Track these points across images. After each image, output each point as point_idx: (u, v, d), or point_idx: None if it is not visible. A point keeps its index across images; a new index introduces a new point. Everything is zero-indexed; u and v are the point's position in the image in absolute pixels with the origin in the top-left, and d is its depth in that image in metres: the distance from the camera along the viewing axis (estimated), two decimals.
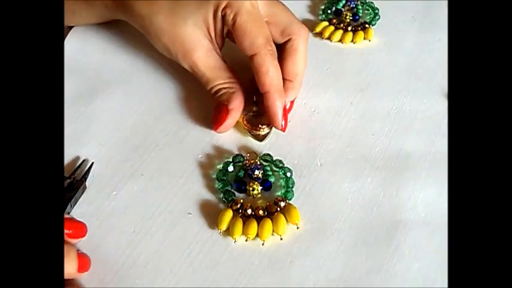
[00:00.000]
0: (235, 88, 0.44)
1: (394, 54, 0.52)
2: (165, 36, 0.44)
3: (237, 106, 0.44)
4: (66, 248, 0.35)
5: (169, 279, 0.37)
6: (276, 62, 0.43)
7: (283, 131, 0.44)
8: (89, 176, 0.42)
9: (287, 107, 0.45)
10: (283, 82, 0.44)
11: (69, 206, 0.40)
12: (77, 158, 0.43)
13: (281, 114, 0.43)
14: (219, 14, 0.43)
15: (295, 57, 0.45)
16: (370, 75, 0.50)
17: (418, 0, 0.58)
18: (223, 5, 0.43)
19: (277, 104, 0.43)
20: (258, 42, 0.42)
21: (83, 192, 0.41)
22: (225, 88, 0.44)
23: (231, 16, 0.42)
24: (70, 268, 0.35)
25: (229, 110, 0.43)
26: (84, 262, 0.36)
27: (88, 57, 0.51)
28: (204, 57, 0.44)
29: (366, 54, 0.52)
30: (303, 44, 0.45)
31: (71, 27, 0.54)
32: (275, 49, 0.44)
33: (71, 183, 0.41)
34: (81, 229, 0.38)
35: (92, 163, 0.43)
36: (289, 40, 0.45)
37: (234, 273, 0.37)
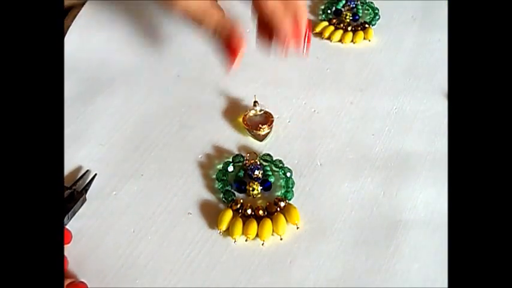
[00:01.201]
0: (231, 23, 0.43)
1: (394, 54, 0.52)
2: None
3: (242, 36, 0.43)
4: None
5: (169, 279, 0.37)
6: None
7: (306, 54, 0.44)
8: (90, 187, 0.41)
9: (303, 32, 0.44)
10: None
11: (66, 218, 0.39)
12: (80, 168, 0.43)
13: (291, 30, 0.42)
14: None
15: (297, 7, 0.43)
16: (370, 75, 0.50)
17: (418, 0, 0.58)
18: None
19: (285, 21, 0.42)
20: None
21: (82, 205, 0.40)
22: (221, 26, 0.43)
23: None
24: None
25: (238, 39, 0.42)
26: None
27: (88, 56, 0.51)
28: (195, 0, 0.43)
29: (366, 54, 0.52)
30: (304, 8, 0.44)
31: (68, 27, 0.53)
32: None
33: (71, 193, 0.40)
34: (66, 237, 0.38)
35: (95, 175, 0.42)
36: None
37: (234, 273, 0.37)
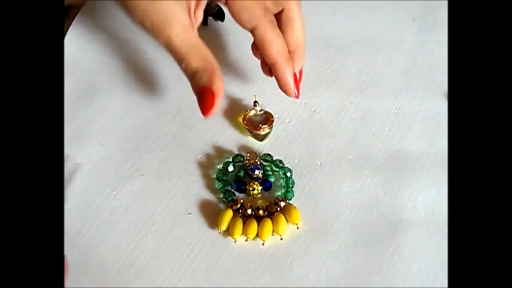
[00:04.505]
0: (213, 67, 0.40)
1: (394, 54, 0.52)
2: (140, 6, 0.39)
3: (220, 86, 0.40)
4: None
5: (169, 279, 0.37)
6: (278, 30, 0.42)
7: (297, 97, 0.43)
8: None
9: (297, 76, 0.44)
10: None
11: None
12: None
13: (292, 82, 0.42)
14: None
15: (293, 27, 0.43)
16: (370, 75, 0.50)
17: (418, 0, 0.58)
18: None
19: (286, 72, 0.42)
20: (256, 13, 0.41)
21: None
22: (202, 68, 0.40)
23: None
24: None
25: (214, 93, 0.39)
26: None
27: (88, 56, 0.51)
28: (180, 34, 0.40)
29: (366, 54, 0.52)
30: (298, 11, 0.43)
31: (68, 27, 0.53)
32: (274, 18, 0.43)
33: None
34: None
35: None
36: (282, 10, 0.43)
37: (234, 273, 0.37)
